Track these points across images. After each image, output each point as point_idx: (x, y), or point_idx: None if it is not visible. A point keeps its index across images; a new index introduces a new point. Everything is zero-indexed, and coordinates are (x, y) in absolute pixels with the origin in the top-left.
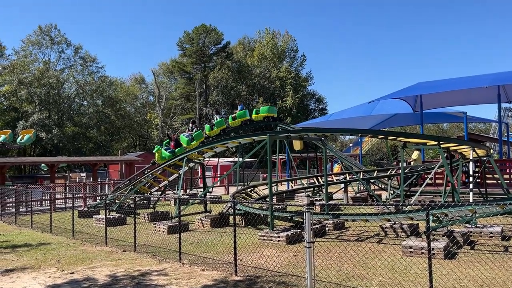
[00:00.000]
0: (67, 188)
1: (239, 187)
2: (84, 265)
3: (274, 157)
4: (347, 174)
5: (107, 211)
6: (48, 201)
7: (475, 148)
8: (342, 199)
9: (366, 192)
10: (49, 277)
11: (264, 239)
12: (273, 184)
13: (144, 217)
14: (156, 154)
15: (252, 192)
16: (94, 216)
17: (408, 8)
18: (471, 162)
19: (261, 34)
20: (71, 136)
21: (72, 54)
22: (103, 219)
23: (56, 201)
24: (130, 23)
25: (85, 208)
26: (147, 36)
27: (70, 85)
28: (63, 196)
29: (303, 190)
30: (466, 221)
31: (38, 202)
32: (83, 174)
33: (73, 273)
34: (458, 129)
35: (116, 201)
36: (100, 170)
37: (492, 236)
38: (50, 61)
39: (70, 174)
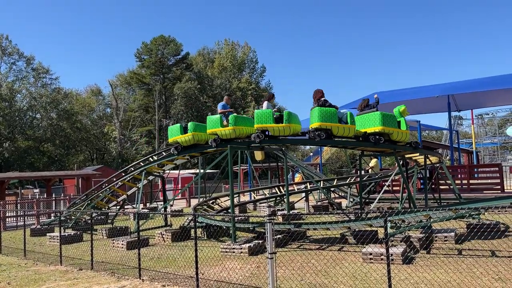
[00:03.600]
0: (18, 205)
1: (201, 199)
2: (37, 286)
3: (236, 168)
4: (308, 183)
5: (61, 228)
6: None
7: (429, 156)
8: (304, 208)
9: (327, 201)
10: None
11: (226, 252)
12: (235, 195)
13: (102, 233)
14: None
15: (214, 204)
16: (48, 234)
17: (364, 15)
18: (425, 169)
19: (221, 45)
20: (23, 150)
21: (24, 66)
22: (57, 236)
23: (6, 220)
24: (86, 34)
25: (38, 226)
26: (103, 47)
27: (22, 97)
28: (14, 214)
29: (265, 200)
30: (422, 226)
31: None
32: (37, 190)
33: None
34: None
35: (72, 217)
36: (55, 186)
37: (446, 240)
38: (0, 73)
39: (22, 191)
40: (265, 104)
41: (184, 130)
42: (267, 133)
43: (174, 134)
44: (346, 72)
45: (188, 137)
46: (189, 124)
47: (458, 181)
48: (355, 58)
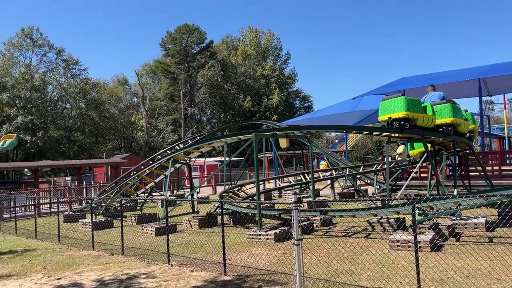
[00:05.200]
0: (51, 192)
1: (226, 187)
2: (71, 270)
3: (261, 156)
4: (333, 171)
5: (93, 214)
6: (33, 207)
7: (458, 141)
8: (329, 195)
9: (353, 188)
10: (36, 283)
11: (252, 238)
12: (260, 183)
13: (131, 219)
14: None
15: (240, 191)
16: (80, 220)
17: (393, 4)
18: (455, 155)
19: (244, 33)
20: (55, 139)
21: (54, 57)
22: (89, 223)
23: (41, 206)
24: (111, 24)
25: (71, 213)
26: (129, 37)
27: (53, 88)
28: (48, 201)
29: (290, 188)
30: (451, 213)
31: (22, 208)
32: (68, 178)
33: (60, 278)
34: None
35: (102, 204)
36: (85, 174)
37: (476, 228)
38: (31, 64)
39: (55, 178)
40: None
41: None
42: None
43: (400, 108)
44: (372, 57)
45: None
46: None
47: (489, 168)
48: (383, 43)
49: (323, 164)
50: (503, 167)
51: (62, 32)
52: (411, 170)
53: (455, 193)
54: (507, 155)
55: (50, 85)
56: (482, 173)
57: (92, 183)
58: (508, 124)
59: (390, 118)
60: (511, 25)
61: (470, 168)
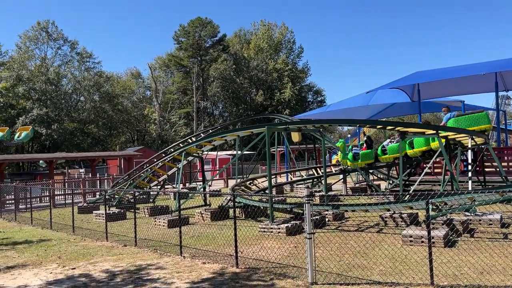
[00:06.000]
0: (66, 184)
1: (238, 180)
2: (85, 260)
3: (273, 149)
4: None
5: (106, 206)
6: (48, 198)
7: (474, 136)
8: (341, 190)
9: (365, 183)
10: (51, 273)
11: (264, 231)
12: (272, 176)
13: (144, 211)
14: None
15: (251, 184)
16: (94, 211)
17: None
18: (469, 151)
19: (257, 26)
20: (70, 132)
21: (68, 50)
22: (103, 214)
23: (56, 198)
24: (124, 18)
25: (85, 204)
26: (142, 30)
27: (67, 80)
28: (62, 192)
29: (302, 182)
30: (466, 209)
31: (38, 199)
32: (82, 170)
33: (74, 268)
34: None
35: (116, 196)
36: (98, 166)
37: (491, 224)
38: (46, 57)
39: (69, 170)
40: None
41: None
42: None
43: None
44: (387, 51)
45: None
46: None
47: (504, 164)
48: (396, 38)
49: (335, 159)
50: None
51: (76, 26)
52: (424, 165)
53: (470, 188)
54: None
55: (65, 78)
56: (498, 169)
57: (106, 175)
58: None
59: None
60: None
61: (486, 163)
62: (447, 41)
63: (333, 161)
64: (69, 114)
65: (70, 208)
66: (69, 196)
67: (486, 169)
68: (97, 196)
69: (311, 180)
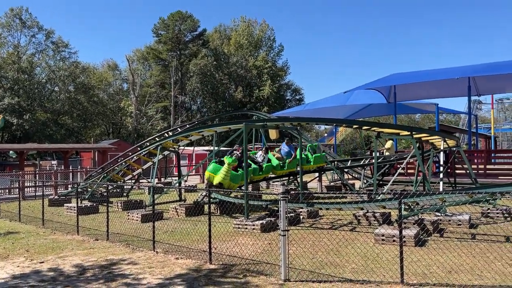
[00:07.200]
0: (37, 176)
1: None
2: (54, 254)
3: (250, 146)
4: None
5: (79, 199)
6: (17, 189)
7: (446, 139)
8: (317, 188)
9: (340, 181)
10: (18, 266)
11: (239, 228)
12: None
13: (117, 205)
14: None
15: None
16: (65, 204)
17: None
18: (441, 153)
19: (237, 23)
20: (42, 123)
21: (43, 39)
22: (74, 207)
23: (26, 189)
24: (102, 8)
25: (56, 197)
26: (121, 21)
27: (41, 70)
28: (33, 184)
29: (278, 179)
30: (436, 209)
31: (6, 190)
32: (54, 162)
33: (42, 262)
34: (430, 120)
35: (89, 189)
36: (72, 158)
37: (460, 224)
38: (20, 45)
39: (41, 162)
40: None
41: None
42: None
43: None
44: (366, 53)
45: None
46: None
47: (474, 166)
48: (375, 40)
49: None
50: (488, 166)
51: (51, 15)
52: (398, 166)
53: (441, 189)
54: (493, 155)
55: (39, 67)
56: (468, 171)
57: (79, 167)
58: (495, 124)
59: None
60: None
61: (456, 166)
62: (425, 45)
63: None
64: (42, 104)
65: (41, 201)
66: (39, 188)
67: (457, 171)
68: (69, 189)
69: (287, 178)
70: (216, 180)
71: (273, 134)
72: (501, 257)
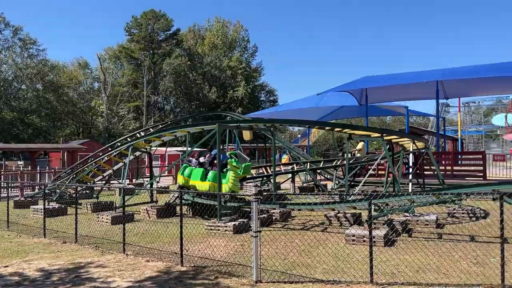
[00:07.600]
0: (1, 176)
1: None
2: (20, 258)
3: (224, 147)
4: (294, 165)
5: (46, 201)
6: None
7: (415, 141)
8: (290, 189)
9: (313, 182)
10: None
11: (211, 229)
12: None
13: (87, 207)
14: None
15: None
16: (32, 206)
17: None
18: (411, 154)
19: (211, 23)
20: (8, 122)
21: (10, 36)
22: (41, 209)
23: None
24: (73, 5)
25: (22, 198)
26: (91, 19)
27: (8, 67)
28: None
29: (251, 180)
30: (405, 210)
31: None
32: (21, 162)
33: (7, 266)
34: (400, 122)
35: (57, 190)
36: (40, 158)
37: (428, 224)
38: None
39: (6, 162)
40: None
41: None
42: None
43: None
44: (339, 56)
45: None
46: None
47: (442, 167)
48: (349, 43)
49: (285, 158)
50: (455, 167)
51: (20, 11)
52: (369, 167)
53: (410, 190)
54: (459, 156)
55: (5, 64)
56: (436, 172)
57: (47, 168)
58: (462, 126)
59: None
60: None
61: (425, 167)
62: (398, 48)
63: (283, 161)
64: (8, 102)
65: (5, 203)
66: (4, 190)
67: (426, 172)
68: (36, 190)
69: (260, 179)
70: (225, 189)
71: (247, 135)
72: (466, 256)
